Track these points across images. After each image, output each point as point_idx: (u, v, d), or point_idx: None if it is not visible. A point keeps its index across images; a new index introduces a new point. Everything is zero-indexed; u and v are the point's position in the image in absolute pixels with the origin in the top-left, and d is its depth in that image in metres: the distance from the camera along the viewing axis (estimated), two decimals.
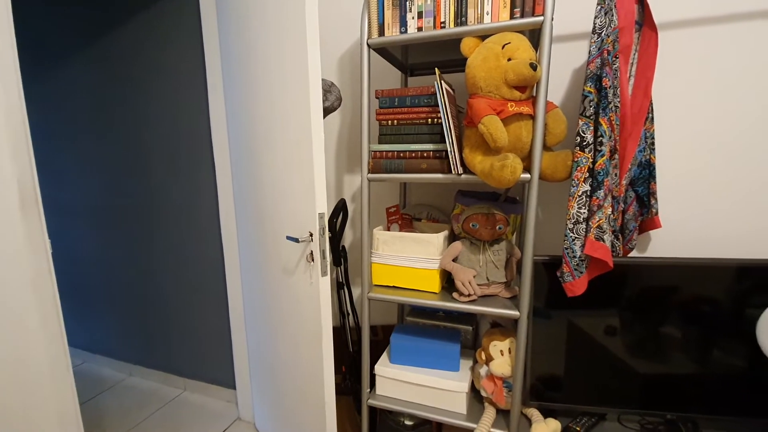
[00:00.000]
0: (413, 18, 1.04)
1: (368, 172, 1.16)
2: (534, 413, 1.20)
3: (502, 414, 1.21)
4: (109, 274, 2.09)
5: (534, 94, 0.97)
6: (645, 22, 1.03)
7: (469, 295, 1.13)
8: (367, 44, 1.09)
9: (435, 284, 1.19)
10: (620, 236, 1.13)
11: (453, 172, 1.06)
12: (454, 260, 1.16)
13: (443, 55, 1.25)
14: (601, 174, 0.96)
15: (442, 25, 1.01)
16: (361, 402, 1.31)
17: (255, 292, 1.50)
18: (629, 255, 1.18)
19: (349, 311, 1.57)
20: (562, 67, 1.27)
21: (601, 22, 0.95)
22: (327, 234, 1.11)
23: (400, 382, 1.27)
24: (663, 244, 1.27)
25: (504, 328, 1.27)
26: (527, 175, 0.98)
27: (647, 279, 1.09)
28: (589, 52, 0.97)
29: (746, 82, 1.12)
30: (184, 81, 1.64)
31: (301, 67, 1.02)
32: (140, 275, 2.00)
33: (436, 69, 1.03)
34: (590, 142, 0.97)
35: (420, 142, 1.11)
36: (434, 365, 1.26)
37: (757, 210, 1.16)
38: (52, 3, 1.85)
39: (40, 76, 1.99)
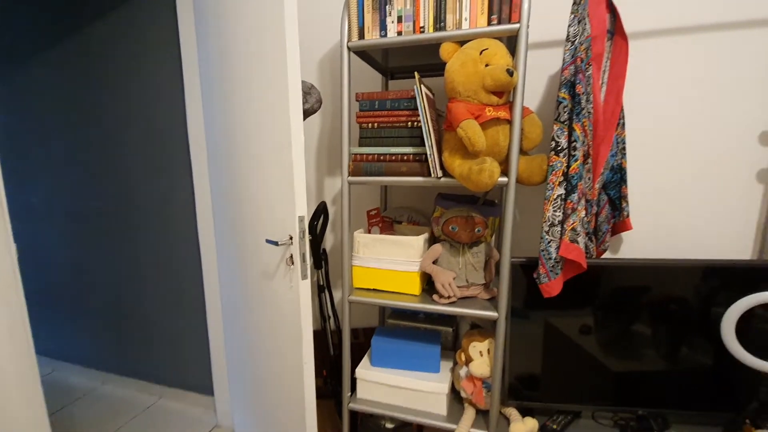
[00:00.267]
0: (393, 22, 1.04)
1: (348, 175, 1.16)
2: (512, 413, 1.22)
3: (482, 414, 1.22)
4: (81, 279, 2.02)
5: (511, 100, 0.99)
6: (616, 31, 1.07)
7: (448, 297, 1.14)
8: (347, 47, 1.09)
9: (415, 287, 1.19)
10: (594, 238, 1.17)
11: (432, 175, 1.07)
12: (434, 262, 1.17)
13: (423, 59, 1.26)
14: (575, 178, 0.98)
15: (422, 29, 1.02)
16: (342, 406, 1.30)
17: (234, 296, 1.47)
18: (602, 256, 1.22)
19: (330, 314, 1.56)
20: (538, 74, 1.30)
21: (574, 30, 0.98)
22: (307, 237, 1.10)
23: (381, 385, 1.28)
24: (634, 245, 1.31)
25: (483, 329, 1.28)
26: (504, 179, 1.00)
27: (619, 279, 1.12)
28: (564, 59, 0.99)
29: (712, 89, 1.17)
30: (160, 80, 1.60)
31: (281, 68, 1.01)
32: (114, 280, 1.94)
33: (415, 73, 1.04)
34: (564, 147, 1.00)
35: (400, 145, 1.11)
36: (415, 367, 1.27)
37: (720, 212, 1.22)
38: (21, 0, 1.78)
39: (6, 76, 1.91)
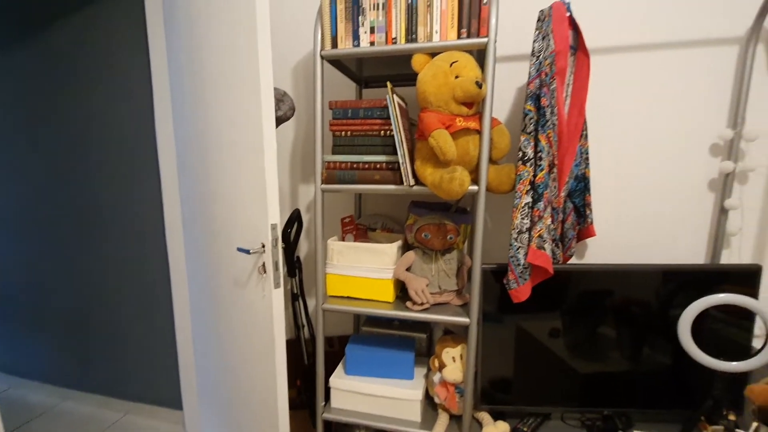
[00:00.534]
0: (366, 32, 1.06)
1: (322, 183, 1.16)
2: (485, 417, 1.24)
3: (455, 419, 1.24)
4: (39, 290, 1.92)
5: (480, 111, 1.02)
6: (579, 47, 1.12)
7: (422, 304, 1.16)
8: (321, 56, 1.10)
9: (389, 294, 1.20)
10: (560, 244, 1.21)
11: (405, 183, 1.08)
12: (407, 270, 1.18)
13: (397, 69, 1.28)
14: (541, 187, 1.02)
15: (394, 40, 1.04)
16: (316, 416, 1.29)
17: (204, 307, 1.44)
18: (569, 262, 1.26)
19: (305, 323, 1.54)
20: (506, 86, 1.35)
21: (539, 46, 1.02)
22: (280, 245, 1.09)
23: (355, 393, 1.27)
24: (598, 250, 1.37)
25: (456, 335, 1.30)
26: (475, 187, 1.03)
27: (585, 284, 1.17)
28: (529, 73, 1.04)
29: (667, 103, 1.24)
30: (127, 82, 1.55)
31: (253, 74, 1.01)
32: (76, 290, 1.85)
33: (388, 83, 1.06)
34: (531, 157, 1.03)
35: (373, 153, 1.13)
36: (389, 374, 1.27)
37: (677, 219, 1.29)
38: None
39: None
